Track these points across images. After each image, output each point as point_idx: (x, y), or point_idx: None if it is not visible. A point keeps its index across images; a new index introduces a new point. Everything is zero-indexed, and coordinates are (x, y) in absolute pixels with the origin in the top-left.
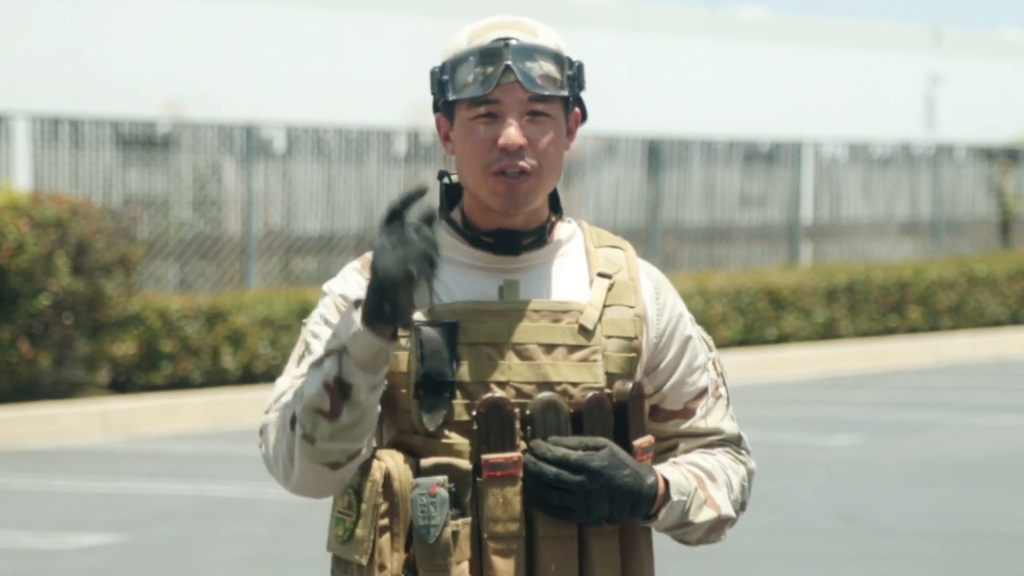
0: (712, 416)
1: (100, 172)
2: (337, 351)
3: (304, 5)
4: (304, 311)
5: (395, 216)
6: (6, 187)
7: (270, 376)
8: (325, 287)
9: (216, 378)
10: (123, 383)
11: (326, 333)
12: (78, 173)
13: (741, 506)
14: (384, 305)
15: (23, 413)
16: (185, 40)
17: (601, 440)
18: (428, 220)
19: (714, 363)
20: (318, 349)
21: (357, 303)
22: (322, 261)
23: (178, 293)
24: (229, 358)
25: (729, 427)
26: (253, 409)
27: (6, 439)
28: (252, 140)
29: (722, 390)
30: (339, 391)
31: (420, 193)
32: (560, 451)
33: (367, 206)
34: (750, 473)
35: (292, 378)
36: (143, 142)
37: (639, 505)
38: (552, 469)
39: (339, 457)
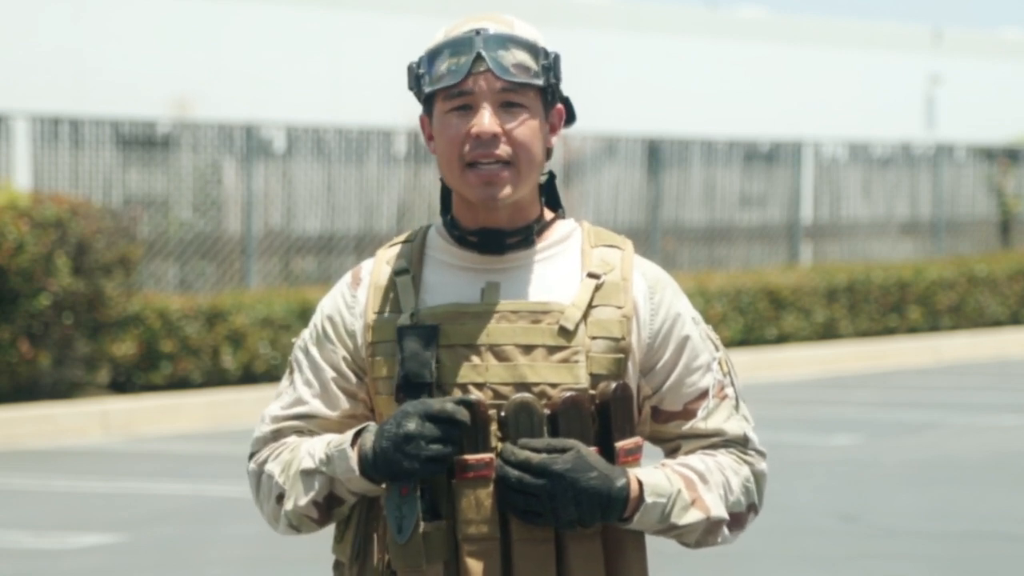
0: (714, 417)
1: (100, 172)
2: (330, 477)
3: (304, 5)
4: (304, 311)
5: (436, 413)
6: (6, 187)
7: (270, 376)
8: (320, 302)
9: (216, 378)
10: (123, 383)
11: (306, 366)
12: (78, 173)
13: (748, 508)
14: (383, 478)
15: (23, 413)
16: (185, 40)
17: (569, 442)
18: (454, 426)
19: (720, 363)
20: (299, 386)
21: (357, 433)
22: (322, 261)
23: (178, 293)
24: (229, 358)
25: (733, 428)
26: (253, 409)
27: (6, 439)
28: (252, 140)
29: (728, 391)
30: (328, 505)
31: (463, 422)
32: (523, 454)
33: (367, 206)
34: (758, 475)
35: (273, 420)
36: (143, 142)
37: (609, 508)
38: (515, 472)
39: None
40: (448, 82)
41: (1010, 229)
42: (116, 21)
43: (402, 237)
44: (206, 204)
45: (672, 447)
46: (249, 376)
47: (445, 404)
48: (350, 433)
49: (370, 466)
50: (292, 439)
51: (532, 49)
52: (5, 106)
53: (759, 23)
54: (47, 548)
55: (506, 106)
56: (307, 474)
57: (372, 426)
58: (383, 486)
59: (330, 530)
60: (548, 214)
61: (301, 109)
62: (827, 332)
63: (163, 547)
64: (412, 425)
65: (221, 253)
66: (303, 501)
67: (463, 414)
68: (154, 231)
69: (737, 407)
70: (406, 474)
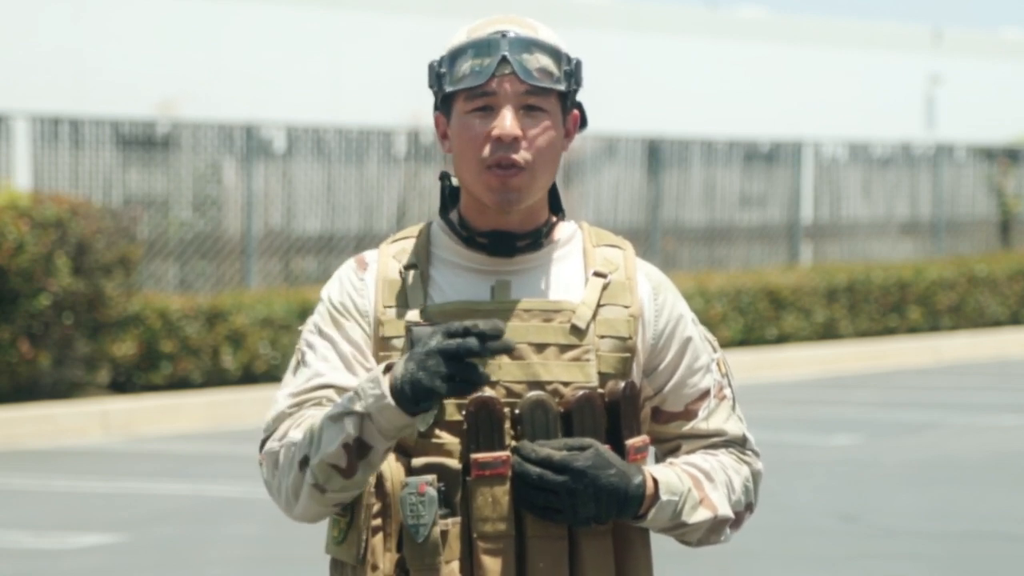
0: (715, 418)
1: (100, 172)
2: (360, 415)
3: (304, 5)
4: (304, 311)
5: (461, 330)
6: (6, 187)
7: (270, 376)
8: (322, 292)
9: (216, 378)
10: (123, 383)
11: (319, 344)
12: (78, 173)
13: (747, 507)
14: (418, 403)
15: (23, 413)
16: (185, 40)
17: (586, 440)
18: (489, 350)
19: (718, 364)
20: (313, 363)
21: (387, 369)
22: (322, 261)
23: (178, 293)
24: (229, 358)
25: (733, 428)
26: (253, 409)
27: (6, 439)
28: (252, 140)
29: (727, 391)
30: (357, 451)
31: (497, 334)
32: (544, 452)
33: (367, 206)
34: (755, 474)
35: (290, 395)
36: (143, 142)
37: (626, 505)
38: (535, 469)
39: (342, 500)
40: (472, 83)
41: (1010, 229)
42: (116, 21)
43: (403, 233)
44: (206, 204)
45: (671, 447)
46: (249, 376)
47: (466, 322)
48: (382, 364)
49: (399, 390)
50: (314, 411)
51: (555, 54)
52: (5, 106)
53: (759, 23)
54: (47, 548)
55: (527, 109)
56: (334, 419)
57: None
58: (416, 423)
59: (325, 529)
60: (551, 216)
61: (301, 109)
62: (827, 332)
63: (163, 547)
64: (433, 342)
65: (221, 253)
66: (332, 447)
67: (489, 327)
68: (154, 231)
69: (734, 407)
70: (427, 392)
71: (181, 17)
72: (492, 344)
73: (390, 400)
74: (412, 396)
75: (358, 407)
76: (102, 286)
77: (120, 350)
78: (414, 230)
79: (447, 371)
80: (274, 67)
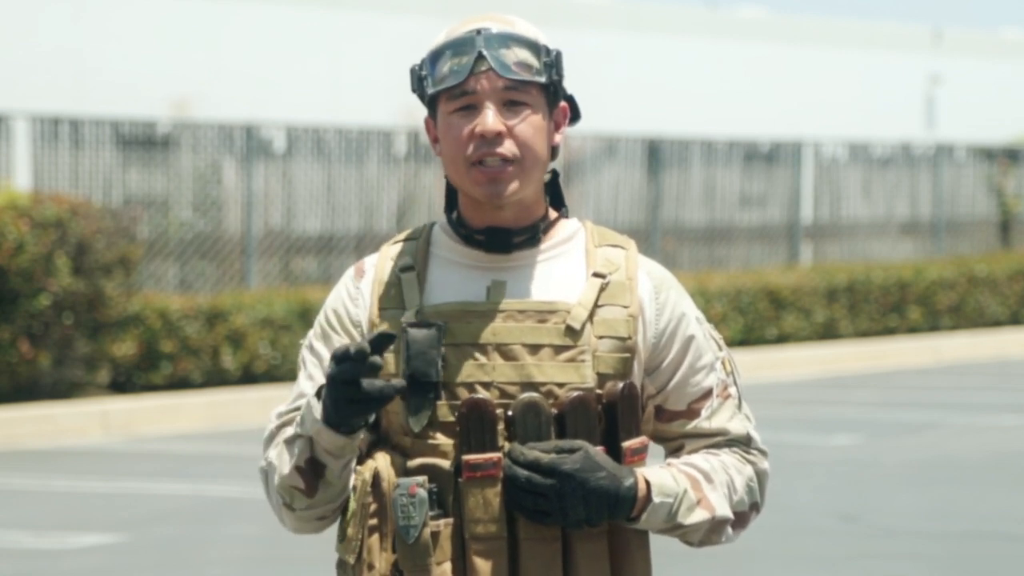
0: (718, 417)
1: (100, 172)
2: (306, 438)
3: (304, 5)
4: (304, 311)
5: (354, 356)
6: (6, 187)
7: (270, 376)
8: (325, 302)
9: (216, 378)
10: (123, 383)
11: (309, 361)
12: (78, 173)
13: (751, 507)
14: (338, 418)
15: (23, 413)
16: (185, 40)
17: (576, 442)
18: (379, 347)
19: (723, 363)
20: (301, 381)
21: (319, 392)
22: (322, 261)
23: (178, 293)
24: (229, 358)
25: (736, 428)
26: (253, 409)
27: (6, 439)
28: (252, 140)
29: (731, 390)
30: (312, 472)
31: (387, 338)
32: (532, 454)
33: (367, 206)
34: (760, 474)
35: (278, 415)
36: (143, 142)
37: (617, 507)
38: (523, 472)
39: (323, 513)
40: (451, 83)
41: (1010, 229)
42: (116, 21)
43: (405, 234)
44: (206, 204)
45: (675, 446)
46: (249, 376)
47: (349, 344)
48: (319, 388)
49: (324, 412)
50: (288, 430)
51: (533, 47)
52: (5, 106)
53: (759, 23)
54: (47, 548)
55: (509, 104)
56: (289, 442)
57: None
58: (355, 441)
59: (333, 529)
60: (552, 213)
61: (301, 109)
62: (827, 332)
63: (163, 547)
64: (331, 370)
65: (221, 253)
66: (287, 469)
67: (356, 347)
68: (154, 231)
69: (739, 406)
70: (341, 420)
71: (181, 17)
72: (371, 361)
73: (322, 425)
74: (336, 422)
75: (302, 431)
76: (102, 286)
77: (120, 350)
78: (417, 230)
79: (346, 396)
80: (274, 67)
